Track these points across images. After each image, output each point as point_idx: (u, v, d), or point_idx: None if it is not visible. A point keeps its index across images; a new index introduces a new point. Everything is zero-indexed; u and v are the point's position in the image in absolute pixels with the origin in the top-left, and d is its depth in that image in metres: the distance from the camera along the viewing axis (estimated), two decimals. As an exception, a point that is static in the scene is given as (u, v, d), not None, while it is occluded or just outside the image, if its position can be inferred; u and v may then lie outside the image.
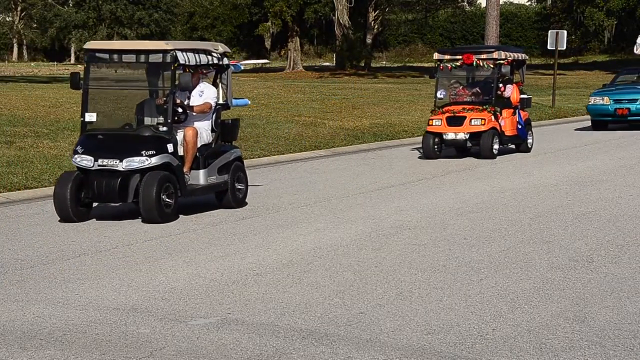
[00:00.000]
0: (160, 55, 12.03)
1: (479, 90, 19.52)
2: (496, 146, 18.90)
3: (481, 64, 18.92)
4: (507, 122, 19.38)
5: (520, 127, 19.78)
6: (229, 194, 12.81)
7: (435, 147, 18.94)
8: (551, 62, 52.10)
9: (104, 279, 8.65)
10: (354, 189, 14.91)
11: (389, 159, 19.49)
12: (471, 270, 8.81)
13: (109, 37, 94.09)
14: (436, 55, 19.70)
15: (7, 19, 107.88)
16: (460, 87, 19.69)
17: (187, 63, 12.18)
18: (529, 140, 20.22)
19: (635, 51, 31.43)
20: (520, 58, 20.15)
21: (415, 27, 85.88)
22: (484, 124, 18.71)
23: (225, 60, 13.17)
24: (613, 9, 61.06)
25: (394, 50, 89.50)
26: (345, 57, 64.29)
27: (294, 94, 37.01)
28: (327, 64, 75.29)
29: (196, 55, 12.41)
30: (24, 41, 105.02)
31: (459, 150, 19.65)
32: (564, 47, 32.45)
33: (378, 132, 24.03)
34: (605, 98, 25.63)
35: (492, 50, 19.25)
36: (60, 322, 7.21)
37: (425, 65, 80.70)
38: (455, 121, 18.85)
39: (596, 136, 24.00)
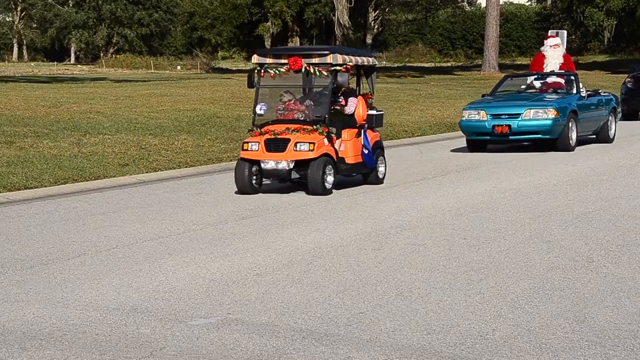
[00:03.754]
0: None
1: (311, 105, 14.89)
2: (330, 178, 14.24)
3: (312, 70, 14.48)
4: (348, 147, 14.79)
5: (366, 152, 15.09)
6: None
7: (253, 178, 14.32)
8: (551, 62, 51.93)
9: (104, 279, 8.65)
10: (353, 189, 14.90)
11: (389, 159, 19.48)
12: (471, 270, 8.81)
13: (109, 37, 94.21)
14: (255, 58, 14.89)
15: (7, 19, 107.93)
16: (291, 101, 14.89)
17: None
18: (380, 169, 15.50)
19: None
20: (367, 63, 15.52)
21: (415, 27, 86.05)
22: (312, 150, 14.05)
23: None
24: (613, 9, 61.09)
25: (394, 50, 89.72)
26: (346, 57, 64.32)
27: (294, 94, 36.95)
28: (327, 63, 75.28)
29: None
30: (24, 41, 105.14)
31: (283, 182, 14.99)
32: (564, 47, 32.44)
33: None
34: (482, 112, 20.29)
35: (326, 53, 14.57)
36: (60, 322, 7.20)
37: (426, 65, 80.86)
38: (276, 145, 14.20)
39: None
